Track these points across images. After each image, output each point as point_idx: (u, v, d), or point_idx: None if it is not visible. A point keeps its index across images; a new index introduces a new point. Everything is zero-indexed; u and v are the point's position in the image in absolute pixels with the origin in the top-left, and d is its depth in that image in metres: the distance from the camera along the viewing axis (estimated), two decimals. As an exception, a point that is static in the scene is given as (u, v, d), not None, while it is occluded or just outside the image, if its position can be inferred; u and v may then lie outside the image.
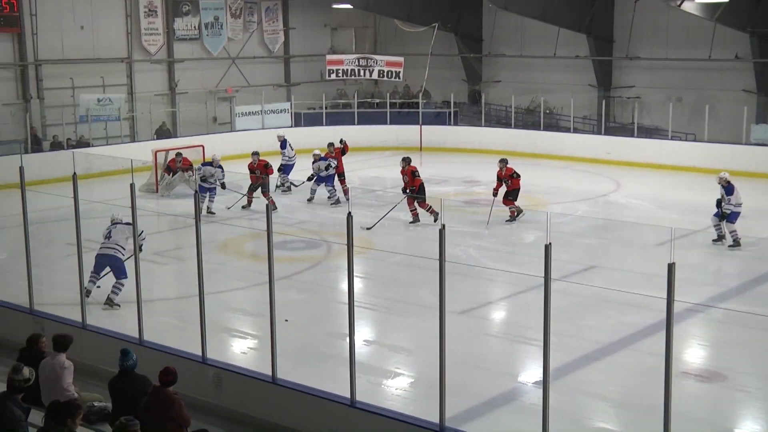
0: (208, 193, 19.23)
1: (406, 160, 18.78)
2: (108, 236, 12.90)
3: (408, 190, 18.36)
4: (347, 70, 30.98)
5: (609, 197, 21.85)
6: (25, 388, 7.35)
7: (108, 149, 24.58)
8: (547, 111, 29.80)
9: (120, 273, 12.66)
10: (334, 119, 30.29)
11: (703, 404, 9.86)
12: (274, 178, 20.76)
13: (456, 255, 14.85)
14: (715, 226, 16.27)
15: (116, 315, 11.69)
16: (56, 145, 25.08)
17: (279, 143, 22.48)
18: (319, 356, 11.14)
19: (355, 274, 8.50)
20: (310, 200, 20.46)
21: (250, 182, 19.62)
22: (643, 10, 29.23)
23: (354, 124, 30.06)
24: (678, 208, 19.70)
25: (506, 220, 18.31)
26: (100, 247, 12.90)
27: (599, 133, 28.50)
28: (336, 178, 20.64)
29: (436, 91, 32.49)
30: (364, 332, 11.77)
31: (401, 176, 18.74)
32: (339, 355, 10.45)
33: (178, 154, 21.73)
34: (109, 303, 12.61)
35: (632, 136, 27.21)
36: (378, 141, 29.29)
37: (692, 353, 11.31)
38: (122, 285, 12.55)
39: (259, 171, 19.58)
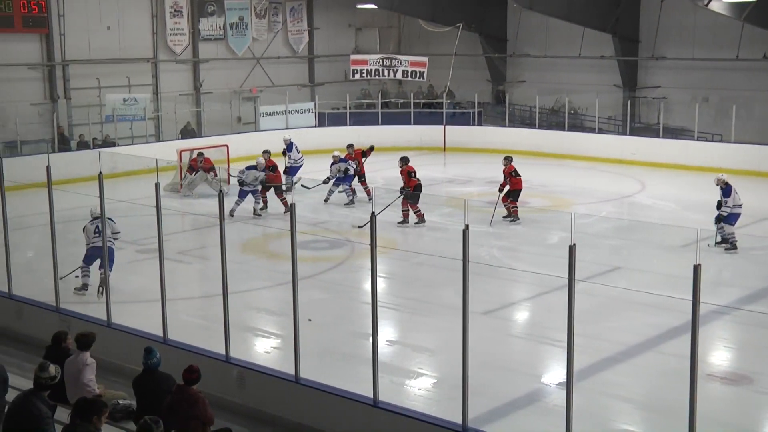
0: (244, 197, 19.13)
1: (404, 160, 18.83)
2: (97, 231, 13.22)
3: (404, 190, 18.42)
4: (371, 70, 30.99)
5: (634, 198, 21.71)
6: (51, 385, 7.42)
7: (133, 149, 24.73)
8: (572, 111, 29.66)
9: (110, 264, 12.92)
10: (358, 119, 30.29)
11: (729, 407, 9.78)
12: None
13: (479, 255, 14.81)
14: (718, 229, 16.13)
15: (140, 314, 11.76)
16: (82, 145, 25.29)
17: (285, 146, 22.50)
18: (342, 356, 11.16)
19: (378, 274, 8.50)
20: (326, 201, 20.47)
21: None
22: (670, 10, 29.01)
23: (378, 124, 30.06)
24: (703, 210, 19.45)
25: (503, 217, 18.34)
26: (93, 241, 13.33)
27: (624, 133, 28.35)
28: (356, 179, 20.62)
29: (460, 91, 32.44)
30: (387, 332, 11.77)
31: (400, 176, 18.79)
32: (362, 354, 10.45)
33: (200, 154, 21.81)
34: (101, 290, 12.83)
35: (657, 136, 27.01)
36: (402, 141, 29.24)
37: (718, 356, 11.22)
38: (110, 272, 12.79)
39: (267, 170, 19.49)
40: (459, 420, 8.05)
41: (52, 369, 7.41)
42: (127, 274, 14.24)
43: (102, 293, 12.48)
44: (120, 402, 8.71)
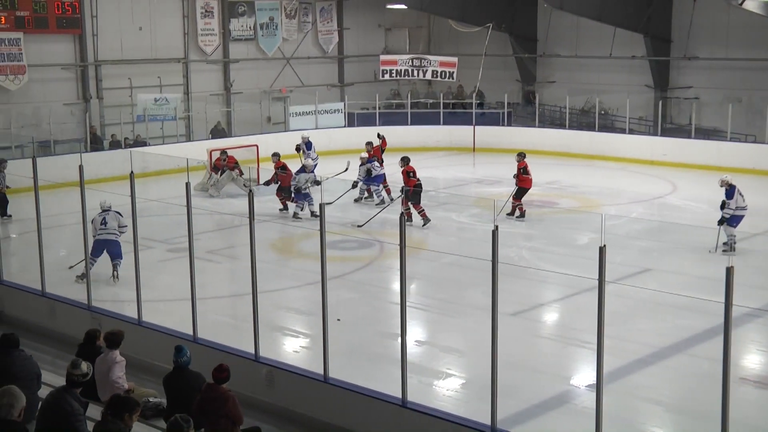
0: (306, 199, 19.18)
1: (404, 160, 18.91)
2: (104, 223, 14.04)
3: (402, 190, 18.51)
4: (401, 70, 31.00)
5: (665, 199, 21.53)
6: (83, 382, 7.49)
7: (164, 148, 24.93)
8: (602, 112, 29.46)
9: (117, 256, 14.10)
10: (387, 119, 30.30)
11: (762, 411, 9.67)
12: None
13: (509, 256, 14.77)
14: (733, 232, 15.96)
15: (171, 312, 11.85)
16: (114, 144, 25.52)
17: (304, 144, 22.67)
18: (370, 356, 11.17)
19: (407, 274, 8.50)
20: (357, 200, 20.51)
21: (282, 184, 19.51)
22: (703, 9, 28.73)
23: (407, 124, 30.08)
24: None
25: (507, 214, 18.44)
26: (99, 233, 13.97)
27: (655, 134, 28.12)
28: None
29: (489, 91, 32.34)
30: (415, 332, 11.77)
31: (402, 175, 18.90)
32: (390, 355, 10.45)
33: (223, 153, 21.90)
34: (115, 276, 14.03)
35: (689, 137, 26.75)
36: (431, 141, 29.26)
37: (751, 359, 11.10)
38: (119, 262, 14.04)
39: (276, 171, 19.54)
40: (487, 421, 8.03)
41: (84, 366, 7.49)
42: (157, 273, 14.35)
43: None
44: (150, 400, 8.78)
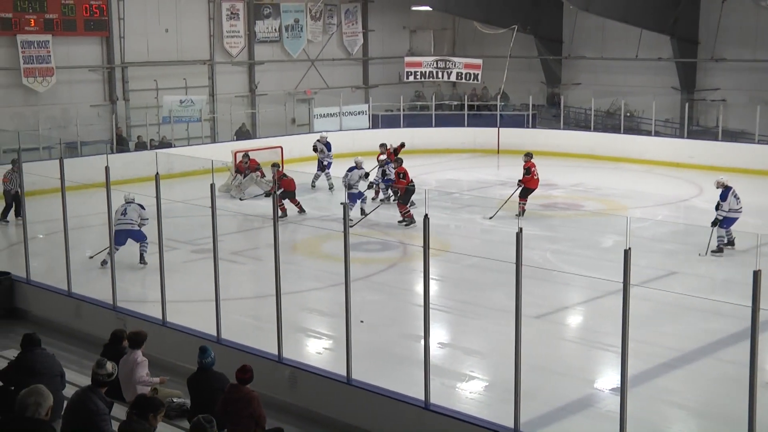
0: (359, 198, 19.27)
1: (398, 161, 19.19)
2: (124, 213, 14.90)
3: (390, 190, 18.87)
4: (425, 72, 31.00)
5: (691, 202, 21.36)
6: (108, 382, 7.54)
7: (189, 150, 25.09)
8: (628, 114, 29.26)
9: (141, 238, 15.05)
10: (412, 121, 30.32)
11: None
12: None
13: (532, 258, 14.69)
14: (723, 234, 15.93)
15: (195, 313, 11.91)
16: (140, 146, 25.70)
17: (323, 144, 22.95)
18: (393, 358, 11.17)
19: (430, 276, 8.49)
20: (383, 201, 20.53)
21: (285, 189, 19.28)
22: (731, 11, 28.48)
23: (431, 126, 30.06)
24: (764, 214, 19.13)
25: (516, 215, 18.61)
26: (118, 223, 14.59)
27: (681, 136, 27.88)
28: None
29: (514, 93, 32.22)
30: (438, 335, 11.75)
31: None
32: (413, 357, 10.44)
33: (245, 156, 21.97)
34: (143, 260, 14.97)
35: (716, 139, 26.53)
36: (455, 143, 29.22)
37: (777, 364, 10.97)
38: (146, 245, 14.82)
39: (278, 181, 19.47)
40: (510, 424, 8.01)
41: (109, 366, 7.54)
42: (181, 274, 14.45)
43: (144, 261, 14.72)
44: (174, 400, 8.82)
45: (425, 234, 8.31)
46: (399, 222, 18.28)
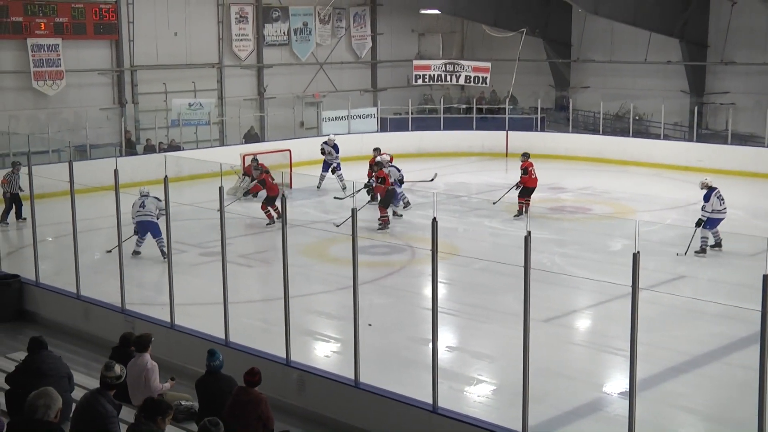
0: (401, 198, 19.30)
1: (377, 165, 19.36)
2: (142, 205, 15.66)
3: (369, 192, 18.99)
4: (434, 75, 30.99)
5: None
6: (116, 384, 7.56)
7: (198, 153, 25.15)
8: (637, 117, 29.21)
9: (157, 234, 15.49)
10: (420, 125, 30.32)
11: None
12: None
13: (541, 262, 14.67)
14: (707, 235, 16.03)
15: (203, 316, 11.92)
16: (149, 149, 25.74)
17: (330, 147, 23.04)
18: (401, 361, 11.16)
19: (438, 279, 8.49)
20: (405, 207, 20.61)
21: (269, 195, 19.13)
22: (740, 14, 28.40)
23: (440, 129, 30.04)
24: (774, 218, 19.10)
25: (518, 214, 18.96)
26: (138, 215, 15.65)
27: (691, 140, 27.79)
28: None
29: (523, 96, 32.22)
30: (446, 338, 11.74)
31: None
32: (421, 360, 10.43)
33: (254, 159, 21.97)
34: (164, 255, 14.71)
35: (725, 143, 26.47)
36: (463, 147, 29.20)
37: (787, 368, 10.92)
38: (163, 241, 14.66)
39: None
40: (519, 428, 7.99)
41: (118, 369, 7.55)
42: (190, 277, 14.46)
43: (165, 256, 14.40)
44: (182, 403, 8.82)
45: (433, 237, 8.30)
46: (378, 228, 18.21)
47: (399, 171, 19.79)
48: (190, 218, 17.51)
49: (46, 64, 25.07)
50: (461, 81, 31.25)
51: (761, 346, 6.74)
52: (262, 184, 19.22)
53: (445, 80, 31.26)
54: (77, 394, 8.18)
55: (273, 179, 21.69)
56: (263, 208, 18.88)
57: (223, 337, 10.50)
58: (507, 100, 30.67)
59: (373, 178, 19.77)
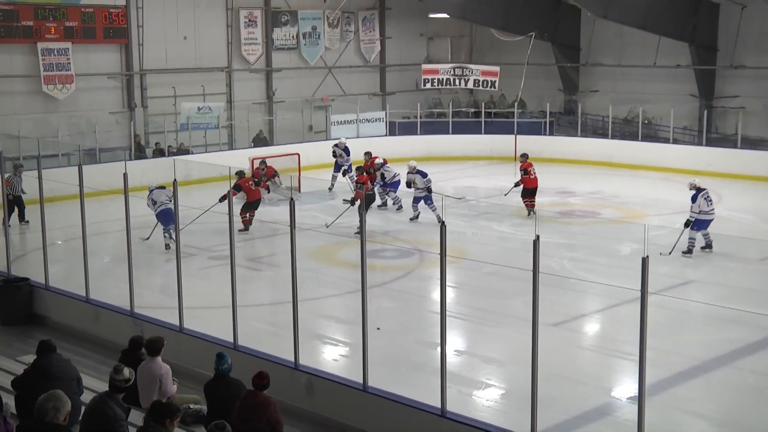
0: (428, 201, 19.30)
1: (359, 170, 19.65)
2: (158, 197, 16.41)
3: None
4: (443, 79, 30.98)
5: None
6: (125, 388, 7.58)
7: (206, 156, 25.19)
8: (646, 121, 29.15)
9: (172, 222, 15.34)
10: (429, 128, 30.32)
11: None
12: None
13: (550, 266, 14.64)
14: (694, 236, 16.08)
15: (212, 319, 11.94)
16: (158, 152, 25.81)
17: (341, 149, 23.25)
18: (410, 365, 11.15)
19: (447, 283, 8.48)
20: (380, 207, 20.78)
21: (247, 200, 18.77)
22: (750, 17, 28.33)
23: (448, 133, 30.05)
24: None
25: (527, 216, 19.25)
26: (159, 206, 16.37)
27: (700, 144, 27.73)
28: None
29: (531, 100, 32.19)
30: (455, 342, 11.72)
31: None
32: (430, 364, 10.42)
33: (262, 162, 21.98)
34: (168, 245, 16.20)
35: (735, 147, 26.37)
36: (472, 150, 29.18)
37: (797, 373, 10.89)
38: (172, 230, 14.91)
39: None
40: (527, 432, 7.98)
41: (126, 372, 7.57)
42: (198, 280, 14.48)
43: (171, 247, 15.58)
44: (191, 406, 8.84)
45: (442, 241, 8.30)
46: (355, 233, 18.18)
47: (424, 177, 19.45)
48: (200, 222, 17.53)
49: (56, 68, 25.17)
50: (470, 85, 31.22)
51: (771, 351, 6.71)
52: (237, 189, 18.15)
53: (454, 84, 31.25)
54: (86, 397, 8.20)
55: (278, 183, 21.68)
56: (241, 213, 18.24)
57: (231, 340, 10.51)
58: (516, 104, 30.64)
59: (354, 183, 19.98)
